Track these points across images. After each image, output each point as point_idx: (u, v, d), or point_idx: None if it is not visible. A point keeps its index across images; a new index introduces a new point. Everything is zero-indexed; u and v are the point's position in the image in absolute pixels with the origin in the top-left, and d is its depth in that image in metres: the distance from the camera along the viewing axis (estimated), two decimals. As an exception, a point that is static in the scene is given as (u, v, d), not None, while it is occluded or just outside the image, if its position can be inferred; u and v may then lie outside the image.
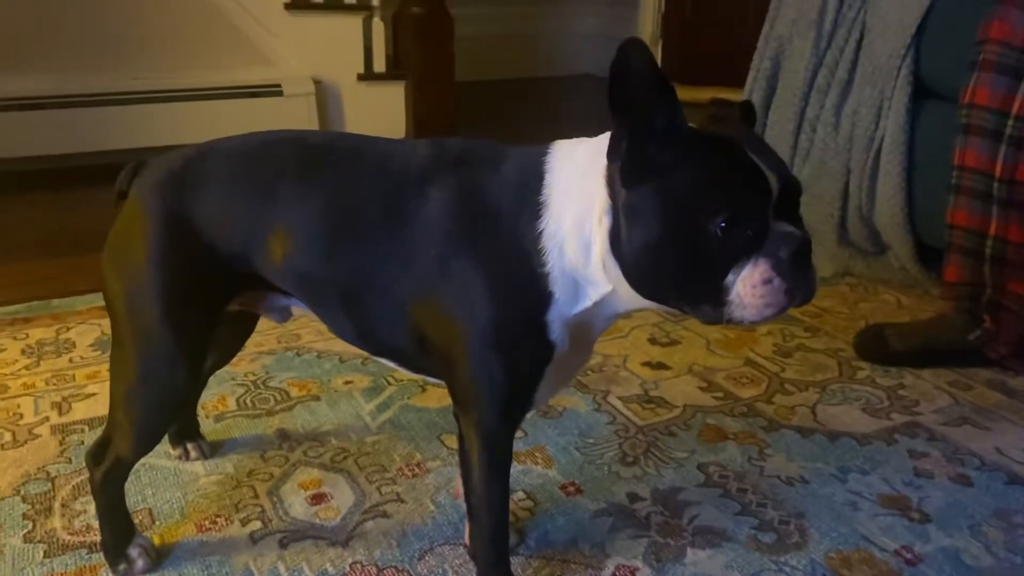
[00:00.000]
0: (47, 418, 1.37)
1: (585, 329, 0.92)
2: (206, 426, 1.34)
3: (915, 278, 1.87)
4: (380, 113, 3.26)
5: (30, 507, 1.16)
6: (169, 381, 0.98)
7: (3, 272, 1.96)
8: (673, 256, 0.80)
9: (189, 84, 2.88)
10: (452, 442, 1.31)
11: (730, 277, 0.78)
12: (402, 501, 1.18)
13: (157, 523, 1.13)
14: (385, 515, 1.15)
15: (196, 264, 0.95)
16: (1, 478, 1.22)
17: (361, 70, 3.21)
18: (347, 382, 1.50)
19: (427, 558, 1.07)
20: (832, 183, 1.90)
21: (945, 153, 1.53)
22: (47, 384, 1.48)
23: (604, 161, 0.83)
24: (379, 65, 3.26)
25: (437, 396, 1.44)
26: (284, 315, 1.10)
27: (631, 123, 0.79)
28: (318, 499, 1.18)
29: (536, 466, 1.27)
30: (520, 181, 0.87)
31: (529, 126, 3.69)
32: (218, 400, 1.43)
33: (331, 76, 3.15)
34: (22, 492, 1.19)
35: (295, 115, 3.02)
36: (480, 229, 0.87)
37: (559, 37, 4.98)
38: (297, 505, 1.17)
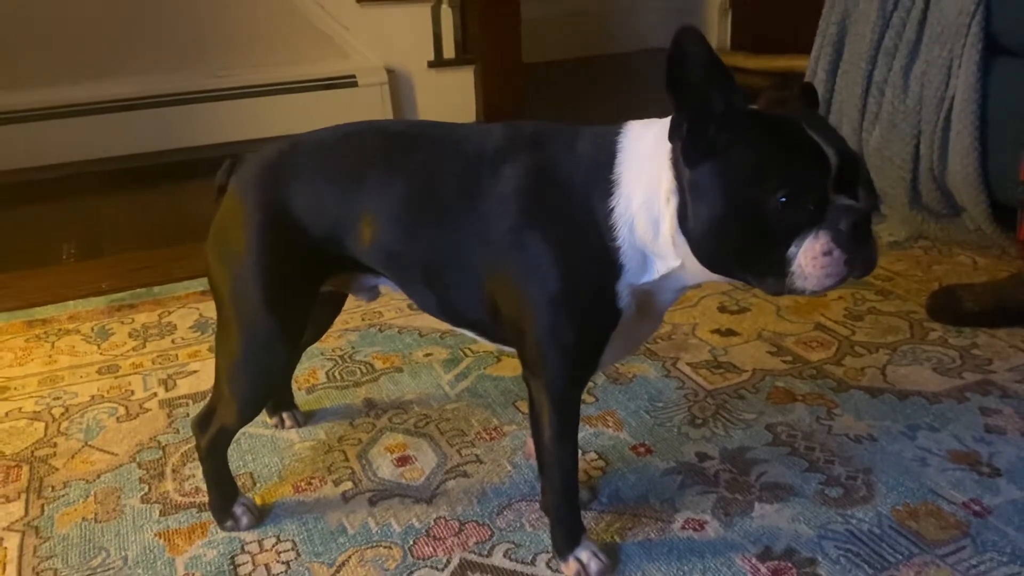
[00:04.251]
0: (155, 394, 1.49)
1: (652, 299, 0.97)
2: (299, 397, 1.44)
3: (991, 238, 1.85)
4: (451, 98, 3.33)
5: (145, 472, 1.27)
6: (270, 359, 1.07)
7: (109, 263, 2.11)
8: (736, 231, 0.84)
9: (270, 79, 3.01)
10: (526, 407, 1.37)
11: (792, 249, 0.82)
12: (481, 462, 1.25)
13: (258, 485, 1.24)
14: (465, 475, 1.23)
15: (293, 250, 1.03)
16: (119, 447, 1.34)
17: (431, 57, 3.28)
18: (427, 354, 1.58)
19: (505, 513, 1.14)
20: (903, 146, 1.88)
21: (1019, 110, 1.51)
22: (153, 363, 1.60)
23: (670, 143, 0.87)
24: (448, 51, 3.32)
25: (512, 366, 1.51)
26: (373, 294, 1.17)
27: (689, 106, 0.83)
28: (403, 461, 1.27)
29: (607, 429, 1.33)
30: (593, 160, 0.92)
31: (597, 104, 3.71)
32: (309, 374, 1.53)
33: (403, 65, 3.24)
34: (137, 459, 1.31)
35: (370, 104, 3.12)
36: (553, 203, 0.93)
37: (626, 13, 4.96)
38: (384, 467, 1.26)
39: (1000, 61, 1.75)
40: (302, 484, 1.23)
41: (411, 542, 1.10)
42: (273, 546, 1.11)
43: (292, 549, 1.10)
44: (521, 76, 3.38)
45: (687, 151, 0.85)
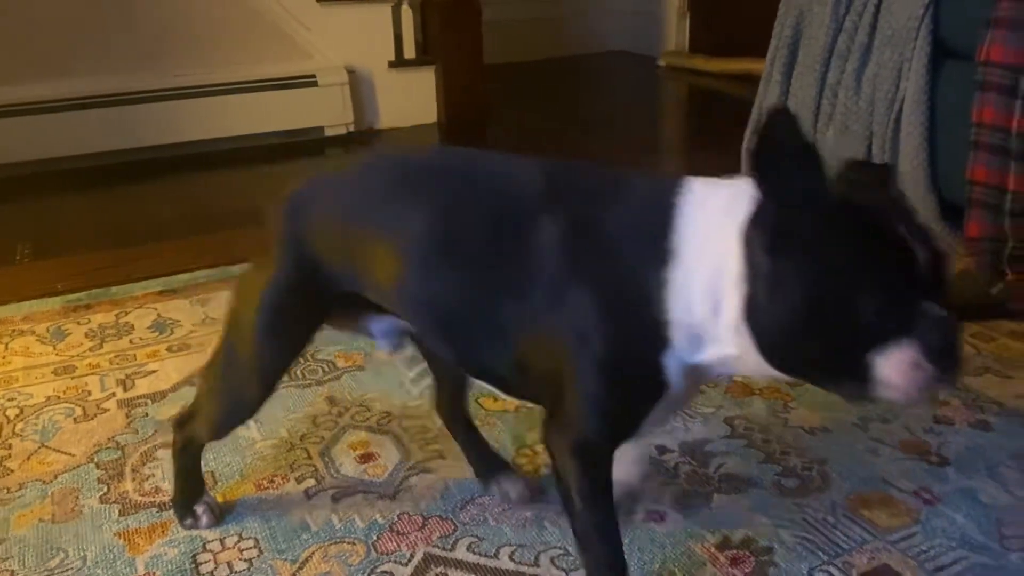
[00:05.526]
0: (113, 394, 1.48)
1: (701, 374, 0.89)
2: (260, 396, 1.43)
3: (940, 236, 1.90)
4: (412, 99, 3.34)
5: (104, 472, 1.26)
6: (247, 393, 1.05)
7: (65, 263, 2.08)
8: (816, 333, 0.76)
9: (229, 79, 2.99)
10: (488, 404, 1.39)
11: (876, 357, 0.75)
12: (443, 458, 1.26)
13: (219, 484, 1.23)
14: (428, 471, 1.23)
15: (304, 287, 0.99)
16: (76, 447, 1.32)
17: (392, 57, 3.29)
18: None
19: (468, 508, 1.15)
20: (856, 147, 1.93)
21: (965, 111, 1.55)
22: (111, 364, 1.58)
23: (742, 216, 0.78)
24: (409, 52, 3.33)
25: (474, 363, 1.52)
26: (392, 340, 1.07)
27: (777, 192, 0.76)
28: (366, 458, 1.27)
29: (569, 424, 1.34)
30: (646, 221, 0.84)
31: (560, 106, 3.74)
32: (270, 373, 1.52)
33: (363, 65, 3.23)
34: (95, 459, 1.29)
35: (330, 104, 3.11)
36: (598, 264, 0.85)
37: (587, 15, 5.00)
38: (347, 464, 1.26)
39: (948, 64, 1.80)
40: (264, 482, 1.23)
41: (375, 537, 1.10)
42: (235, 544, 1.11)
43: (255, 547, 1.10)
44: (483, 77, 3.39)
45: (769, 238, 0.76)
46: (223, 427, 1.12)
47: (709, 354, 0.83)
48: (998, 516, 1.10)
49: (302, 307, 1.01)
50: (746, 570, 1.03)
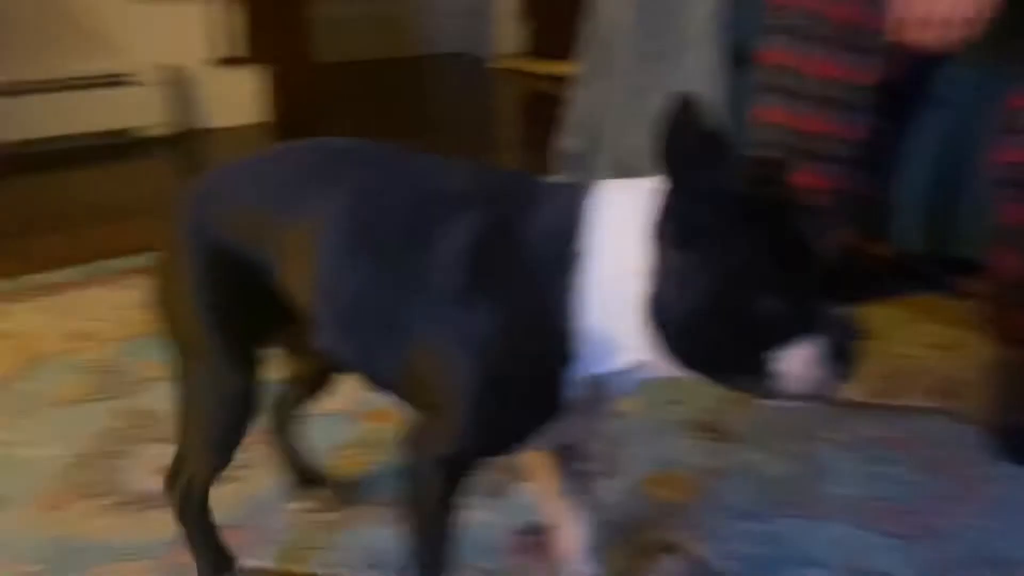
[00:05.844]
0: None
1: (611, 384, 0.84)
2: (52, 417, 1.36)
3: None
4: (237, 98, 3.25)
5: None
6: (224, 387, 0.95)
7: None
8: (722, 328, 0.75)
9: (35, 76, 2.81)
10: (300, 408, 1.37)
11: (779, 353, 0.75)
12: (248, 467, 1.23)
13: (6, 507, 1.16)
14: (235, 480, 1.21)
15: (226, 276, 0.92)
16: None
17: (214, 55, 3.18)
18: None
19: (276, 515, 1.15)
20: (662, 145, 2.03)
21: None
22: None
23: (649, 214, 0.76)
24: (233, 49, 3.23)
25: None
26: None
27: (684, 184, 0.73)
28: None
29: (375, 424, 1.35)
30: (558, 226, 0.80)
31: (397, 108, 3.74)
32: (69, 387, 1.45)
33: (183, 62, 3.12)
34: None
35: (146, 103, 2.98)
36: (507, 270, 0.80)
37: (423, 15, 5.02)
38: (146, 479, 1.21)
39: (742, 69, 1.93)
40: (55, 500, 1.17)
41: (169, 552, 1.07)
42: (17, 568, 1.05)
43: (45, 571, 1.05)
44: (313, 76, 3.34)
45: (677, 232, 0.74)
46: (220, 446, 0.97)
47: (617, 363, 0.80)
48: (771, 486, 1.19)
49: (230, 295, 0.92)
50: (538, 553, 1.07)
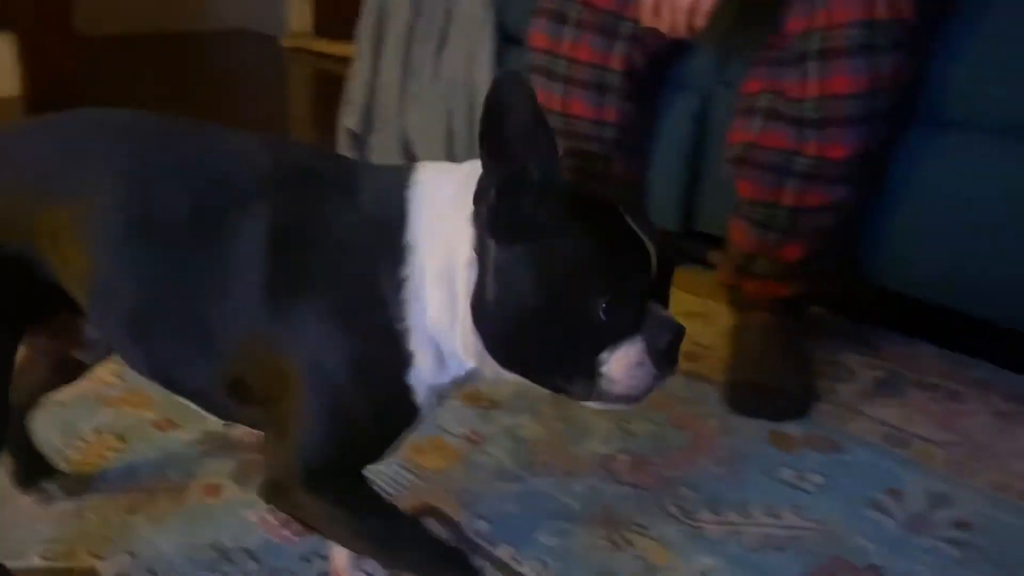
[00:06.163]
0: None
1: (447, 391, 0.82)
2: None
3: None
4: (-16, 68, 2.94)
5: None
6: None
7: None
8: (548, 332, 0.71)
9: None
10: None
11: (604, 355, 0.72)
12: None
13: None
14: None
15: None
16: None
17: (-45, 20, 2.87)
18: None
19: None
20: (437, 126, 2.05)
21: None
22: None
23: (471, 200, 0.71)
24: (-22, 15, 2.93)
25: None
26: (97, 352, 0.92)
27: (504, 169, 0.68)
28: None
29: (128, 408, 1.28)
30: (381, 216, 0.74)
31: (172, 86, 3.53)
32: None
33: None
34: None
35: None
36: (327, 266, 0.74)
37: (206, -10, 4.77)
38: None
39: (512, 50, 1.98)
40: None
41: None
42: None
43: None
44: (74, 48, 3.09)
45: (495, 223, 0.70)
46: None
47: (452, 373, 0.77)
48: (531, 448, 1.24)
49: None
50: (296, 528, 1.05)
